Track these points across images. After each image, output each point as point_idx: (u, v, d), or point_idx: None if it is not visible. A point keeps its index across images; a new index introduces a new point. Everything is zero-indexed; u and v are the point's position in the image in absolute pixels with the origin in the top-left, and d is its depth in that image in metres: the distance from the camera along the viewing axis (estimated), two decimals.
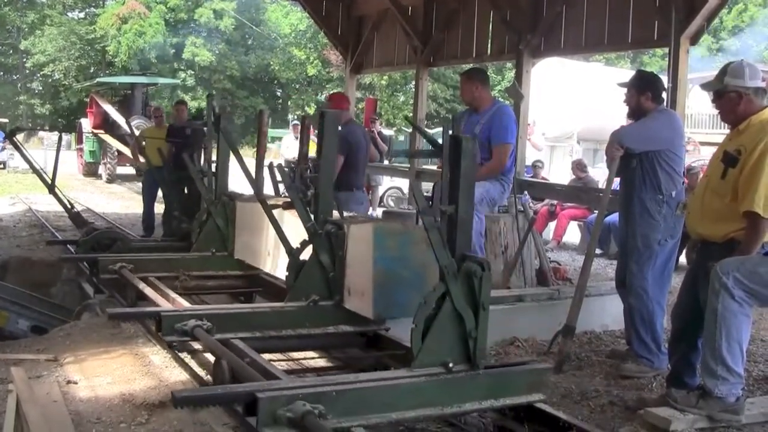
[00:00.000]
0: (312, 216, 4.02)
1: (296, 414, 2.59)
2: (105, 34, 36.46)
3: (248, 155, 8.06)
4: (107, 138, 19.17)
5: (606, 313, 5.51)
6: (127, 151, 17.13)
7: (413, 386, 2.94)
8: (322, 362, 4.08)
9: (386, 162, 12.77)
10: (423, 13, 10.05)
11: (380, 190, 13.88)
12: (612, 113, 10.88)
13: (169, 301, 4.36)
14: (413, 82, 14.38)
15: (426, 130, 13.50)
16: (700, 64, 19.65)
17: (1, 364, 3.87)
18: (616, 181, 4.85)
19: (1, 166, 21.32)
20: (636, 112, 4.61)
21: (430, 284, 3.17)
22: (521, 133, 7.75)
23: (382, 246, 3.63)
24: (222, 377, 3.17)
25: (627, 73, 9.52)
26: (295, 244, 4.12)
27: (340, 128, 5.93)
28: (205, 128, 6.14)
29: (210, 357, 3.58)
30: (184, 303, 4.34)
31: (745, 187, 3.52)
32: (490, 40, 9.15)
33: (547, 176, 13.98)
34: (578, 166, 10.96)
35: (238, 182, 5.71)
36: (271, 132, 21.97)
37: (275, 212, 4.45)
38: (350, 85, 11.78)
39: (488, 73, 6.58)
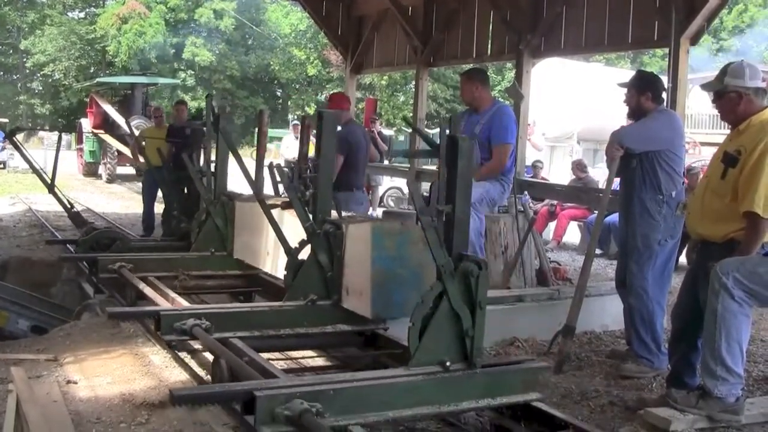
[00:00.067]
0: (310, 216, 4.02)
1: (294, 412, 2.60)
2: (105, 34, 36.49)
3: (246, 155, 8.04)
4: (107, 138, 19.17)
5: (606, 313, 5.51)
6: (127, 151, 17.14)
7: (410, 385, 2.95)
8: (320, 361, 4.09)
9: (386, 162, 12.77)
10: (423, 13, 10.05)
11: (380, 190, 13.89)
12: (612, 113, 10.89)
13: (169, 301, 4.37)
14: (413, 82, 14.39)
15: (426, 130, 13.51)
16: (702, 63, 19.68)
17: (1, 364, 3.87)
18: (616, 181, 4.85)
19: (1, 166, 21.32)
20: (636, 113, 4.61)
21: (427, 283, 3.17)
22: (521, 133, 7.75)
23: (380, 246, 3.63)
24: (221, 376, 3.18)
25: (627, 74, 9.53)
26: (294, 243, 4.12)
27: (340, 128, 5.94)
28: (204, 128, 6.15)
29: (210, 357, 3.58)
30: (183, 302, 4.34)
31: (745, 188, 3.52)
32: (490, 41, 9.15)
33: (547, 176, 13.98)
34: (578, 167, 10.96)
35: (237, 182, 5.71)
36: (271, 132, 21.95)
37: (274, 212, 4.45)
38: (350, 85, 11.78)
39: (488, 73, 6.58)
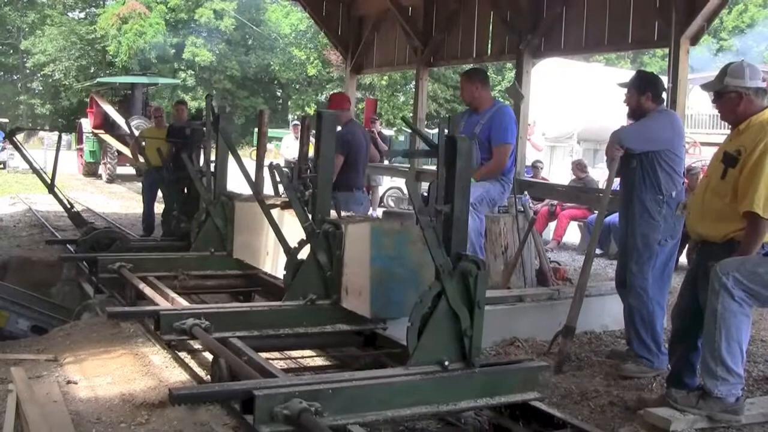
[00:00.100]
0: (310, 216, 4.02)
1: (293, 411, 2.60)
2: (105, 34, 36.48)
3: (245, 155, 8.03)
4: (107, 138, 19.18)
5: (606, 313, 5.51)
6: (127, 151, 17.13)
7: (409, 384, 2.95)
8: (319, 361, 4.09)
9: (386, 162, 12.77)
10: (423, 13, 10.04)
11: (380, 191, 13.88)
12: (612, 113, 10.91)
13: (168, 300, 4.37)
14: (413, 82, 14.39)
15: (426, 130, 13.51)
16: (703, 63, 19.68)
17: (1, 364, 3.87)
18: (616, 181, 4.85)
19: (1, 166, 21.33)
20: (636, 113, 4.61)
21: (426, 283, 3.18)
22: (521, 133, 7.75)
23: (379, 245, 3.63)
24: (220, 375, 3.18)
25: (627, 73, 9.53)
26: (293, 243, 4.12)
27: (340, 128, 5.94)
28: (204, 128, 6.15)
29: (209, 357, 3.58)
30: (182, 302, 4.35)
31: (744, 188, 3.52)
32: (490, 41, 9.15)
33: (547, 176, 13.98)
34: (578, 167, 10.95)
35: (237, 182, 5.71)
36: (271, 132, 21.97)
37: (274, 212, 4.45)
38: (350, 85, 11.77)
39: (488, 74, 6.57)
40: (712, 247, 3.69)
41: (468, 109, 5.76)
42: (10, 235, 9.54)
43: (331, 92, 23.10)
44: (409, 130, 20.23)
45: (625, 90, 4.66)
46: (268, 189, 5.01)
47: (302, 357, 4.09)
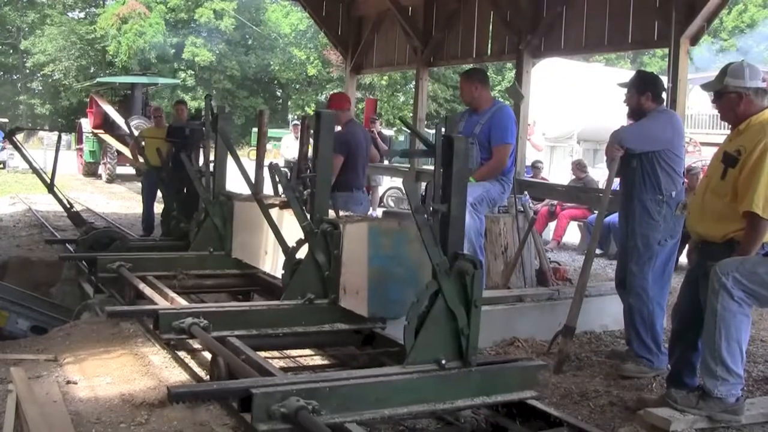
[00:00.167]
0: (308, 215, 4.02)
1: (290, 409, 2.60)
2: (105, 34, 36.51)
3: (244, 155, 8.05)
4: (107, 138, 19.18)
5: (606, 313, 5.50)
6: (126, 151, 17.13)
7: (406, 383, 2.96)
8: (317, 360, 4.10)
9: (386, 162, 12.76)
10: (423, 13, 10.05)
11: (380, 191, 13.88)
12: (612, 113, 10.90)
13: (167, 300, 4.37)
14: (413, 82, 14.39)
15: (425, 130, 13.51)
16: (705, 63, 19.67)
17: (1, 364, 3.86)
18: (616, 181, 4.84)
19: (1, 166, 21.33)
20: (636, 112, 4.60)
21: (424, 282, 3.18)
22: (521, 133, 7.75)
23: (376, 245, 3.64)
24: (219, 374, 3.19)
25: (627, 74, 9.52)
26: (291, 243, 4.12)
27: (340, 129, 5.93)
28: (203, 128, 6.14)
29: (209, 357, 3.58)
30: (181, 301, 4.35)
31: (744, 188, 3.52)
32: (490, 41, 9.15)
33: (547, 176, 13.98)
34: (578, 167, 10.95)
35: (236, 182, 5.71)
36: (271, 132, 21.96)
37: (273, 212, 4.45)
38: (350, 85, 11.78)
39: (488, 73, 6.57)
40: (712, 247, 3.68)
41: (468, 109, 5.75)
42: (9, 235, 9.54)
43: (331, 92, 23.13)
44: (409, 131, 20.22)
45: (625, 90, 4.65)
46: (268, 189, 5.00)
47: (301, 356, 4.09)
